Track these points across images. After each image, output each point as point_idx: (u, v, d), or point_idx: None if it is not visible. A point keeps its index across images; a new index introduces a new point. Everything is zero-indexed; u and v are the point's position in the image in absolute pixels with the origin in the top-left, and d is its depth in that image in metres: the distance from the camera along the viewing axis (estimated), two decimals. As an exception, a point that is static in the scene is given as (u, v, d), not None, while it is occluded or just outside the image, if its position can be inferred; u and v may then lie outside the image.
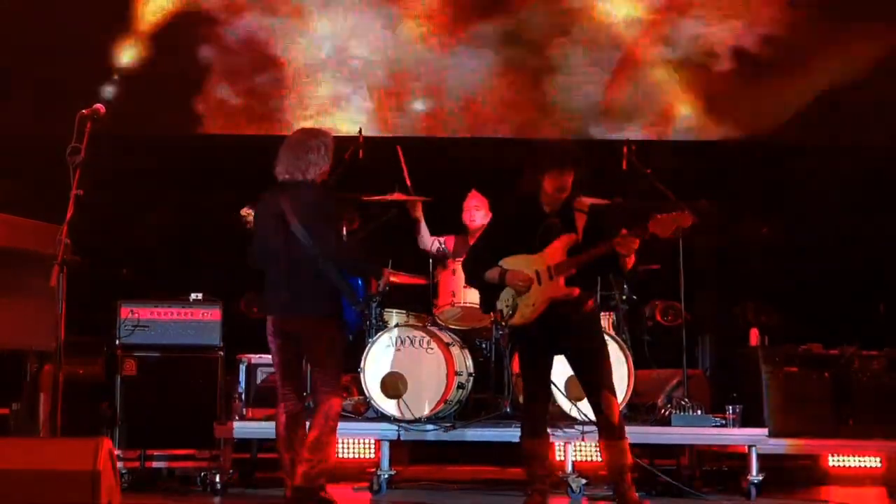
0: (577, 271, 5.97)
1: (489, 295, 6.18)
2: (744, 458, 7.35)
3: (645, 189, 8.00)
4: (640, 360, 7.68)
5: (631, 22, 9.83)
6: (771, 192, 9.62)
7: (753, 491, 7.18)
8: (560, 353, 6.17)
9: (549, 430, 6.25)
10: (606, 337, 6.43)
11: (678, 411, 7.37)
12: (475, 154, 9.64)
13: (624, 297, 8.06)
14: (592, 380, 6.06)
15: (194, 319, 7.84)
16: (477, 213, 8.13)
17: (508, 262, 6.02)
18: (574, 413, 7.23)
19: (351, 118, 9.78)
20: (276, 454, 7.01)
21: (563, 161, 5.96)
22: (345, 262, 6.32)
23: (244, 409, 7.91)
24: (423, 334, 7.48)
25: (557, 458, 7.30)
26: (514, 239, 6.07)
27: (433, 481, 7.85)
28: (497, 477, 7.79)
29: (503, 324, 6.17)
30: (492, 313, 7.17)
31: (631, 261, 5.95)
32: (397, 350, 7.46)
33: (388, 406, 7.37)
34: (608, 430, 6.02)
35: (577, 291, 5.97)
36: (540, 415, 6.08)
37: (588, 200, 6.18)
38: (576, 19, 9.85)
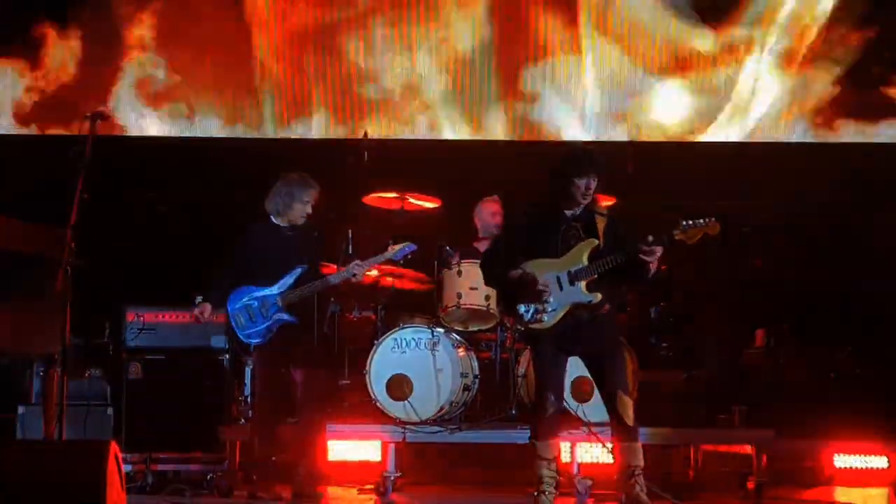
0: (598, 276, 5.99)
1: (508, 298, 6.19)
2: (749, 459, 7.34)
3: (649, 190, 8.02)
4: (645, 362, 7.67)
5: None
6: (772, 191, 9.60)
7: (759, 492, 7.17)
8: (576, 354, 6.19)
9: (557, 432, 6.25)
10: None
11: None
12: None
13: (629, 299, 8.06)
14: (608, 381, 6.07)
15: (199, 322, 7.84)
16: (493, 220, 8.09)
17: (530, 266, 6.03)
18: (580, 414, 7.22)
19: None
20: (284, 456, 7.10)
21: (590, 166, 5.98)
22: None
23: (250, 411, 7.91)
24: (429, 336, 7.48)
25: (563, 460, 7.29)
26: (534, 243, 6.08)
27: (439, 483, 7.84)
28: (503, 479, 7.77)
29: (521, 327, 6.18)
30: (504, 316, 7.22)
31: (653, 267, 5.96)
32: (403, 352, 7.46)
33: (394, 408, 7.37)
34: (622, 431, 6.03)
35: (599, 296, 5.98)
36: (550, 416, 6.08)
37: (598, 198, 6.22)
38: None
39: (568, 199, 6.04)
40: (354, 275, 7.05)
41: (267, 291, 6.97)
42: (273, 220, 7.11)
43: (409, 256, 7.31)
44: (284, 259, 7.03)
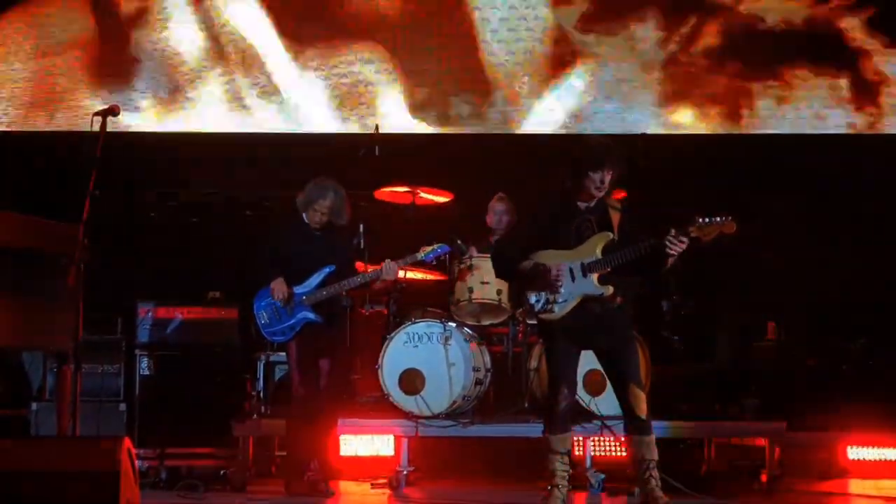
0: (612, 269, 5.98)
1: (520, 289, 6.18)
2: (762, 452, 7.33)
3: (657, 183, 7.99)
4: (657, 355, 7.66)
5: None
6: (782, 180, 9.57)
7: (772, 485, 7.15)
8: (588, 347, 6.18)
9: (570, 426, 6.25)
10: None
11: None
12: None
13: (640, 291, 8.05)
14: (620, 374, 6.06)
15: (212, 318, 7.85)
16: (504, 218, 8.10)
17: (542, 257, 6.03)
18: (593, 408, 7.22)
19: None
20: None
21: (607, 160, 5.97)
22: None
23: (263, 407, 7.92)
24: (441, 330, 7.47)
25: (576, 453, 7.29)
26: (547, 234, 6.07)
27: (452, 478, 7.84)
28: (516, 473, 7.77)
29: (531, 318, 6.17)
30: (516, 310, 7.21)
31: (670, 260, 5.93)
32: (415, 346, 7.45)
33: (407, 403, 7.37)
34: (635, 425, 6.01)
35: (611, 290, 5.97)
36: (563, 410, 6.08)
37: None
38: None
39: (582, 191, 6.04)
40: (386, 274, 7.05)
41: (292, 290, 6.97)
42: (304, 218, 7.10)
43: (443, 258, 7.30)
44: (313, 258, 7.02)
